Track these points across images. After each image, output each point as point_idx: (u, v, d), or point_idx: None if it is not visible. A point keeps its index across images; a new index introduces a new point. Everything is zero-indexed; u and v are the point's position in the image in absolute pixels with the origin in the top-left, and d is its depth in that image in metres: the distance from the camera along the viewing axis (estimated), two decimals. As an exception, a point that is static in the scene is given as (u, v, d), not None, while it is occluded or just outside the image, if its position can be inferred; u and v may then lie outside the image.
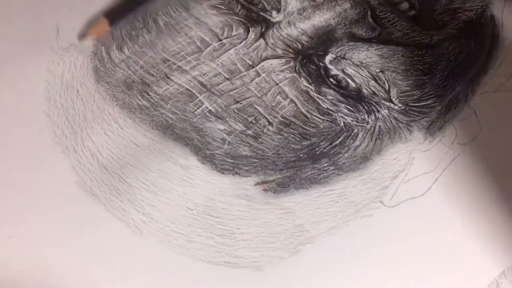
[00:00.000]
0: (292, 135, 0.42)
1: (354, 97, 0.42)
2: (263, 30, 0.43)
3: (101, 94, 0.42)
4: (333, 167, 0.41)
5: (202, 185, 0.41)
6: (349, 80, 0.42)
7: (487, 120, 0.43)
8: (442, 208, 0.41)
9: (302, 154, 0.42)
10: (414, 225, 0.40)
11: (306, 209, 0.40)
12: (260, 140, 0.41)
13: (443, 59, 0.43)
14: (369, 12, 0.43)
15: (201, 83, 0.42)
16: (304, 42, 0.42)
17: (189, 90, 0.42)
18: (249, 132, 0.41)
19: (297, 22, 0.42)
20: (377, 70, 0.42)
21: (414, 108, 0.42)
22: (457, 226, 0.40)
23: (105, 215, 0.39)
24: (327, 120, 0.42)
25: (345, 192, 0.41)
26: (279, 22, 0.43)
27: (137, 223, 0.39)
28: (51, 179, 0.40)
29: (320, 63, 0.43)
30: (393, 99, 0.42)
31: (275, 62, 0.42)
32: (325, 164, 0.41)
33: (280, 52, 0.42)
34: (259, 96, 0.42)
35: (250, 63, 0.42)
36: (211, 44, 0.43)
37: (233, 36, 0.43)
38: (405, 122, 0.42)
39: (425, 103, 0.43)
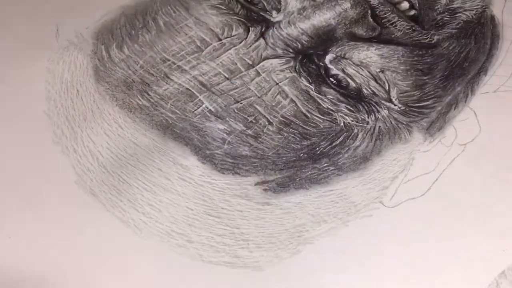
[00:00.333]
0: (292, 135, 0.42)
1: (354, 97, 0.42)
2: (263, 29, 0.43)
3: (101, 94, 0.42)
4: (333, 167, 0.42)
5: (202, 185, 0.41)
6: (349, 80, 0.42)
7: (487, 120, 0.43)
8: (442, 208, 0.41)
9: (302, 154, 0.42)
10: (414, 225, 0.40)
11: (306, 209, 0.40)
12: (260, 139, 0.41)
13: (443, 59, 0.43)
14: (369, 11, 0.43)
15: (201, 83, 0.42)
16: (304, 42, 0.42)
17: (189, 89, 0.42)
18: (249, 131, 0.41)
19: (297, 22, 0.42)
20: (377, 70, 0.42)
21: (414, 109, 0.42)
22: (457, 226, 0.40)
23: (105, 215, 0.39)
24: (327, 120, 0.42)
25: (345, 193, 0.41)
26: (279, 22, 0.43)
27: (137, 223, 0.39)
28: (51, 179, 0.40)
29: (320, 63, 0.43)
30: (393, 100, 0.42)
31: (275, 61, 0.42)
32: (325, 164, 0.42)
33: (280, 51, 0.42)
34: (259, 95, 0.42)
35: (250, 62, 0.42)
36: (211, 44, 0.42)
37: (233, 35, 0.43)
38: (405, 122, 0.42)
39: (425, 104, 0.43)
